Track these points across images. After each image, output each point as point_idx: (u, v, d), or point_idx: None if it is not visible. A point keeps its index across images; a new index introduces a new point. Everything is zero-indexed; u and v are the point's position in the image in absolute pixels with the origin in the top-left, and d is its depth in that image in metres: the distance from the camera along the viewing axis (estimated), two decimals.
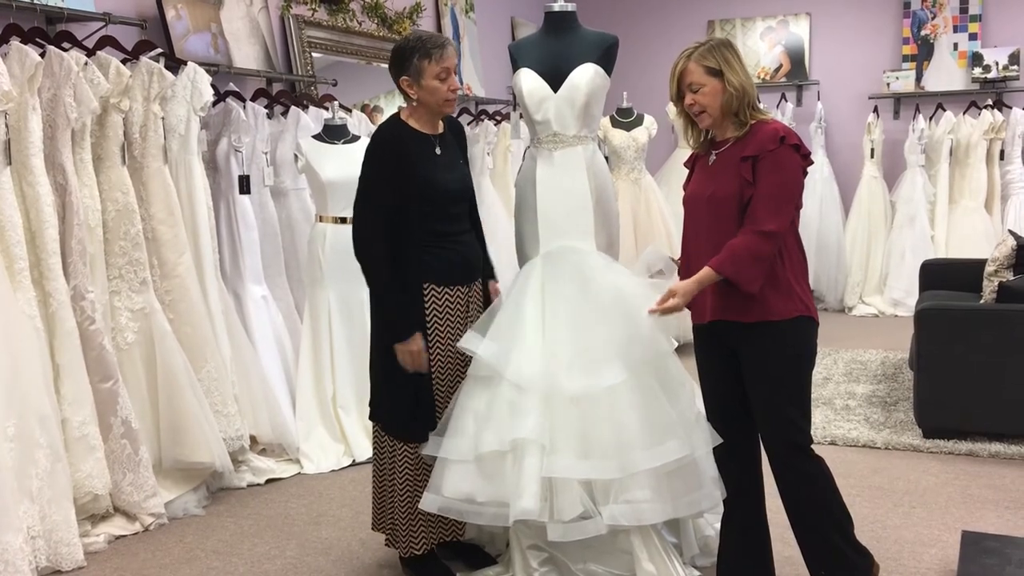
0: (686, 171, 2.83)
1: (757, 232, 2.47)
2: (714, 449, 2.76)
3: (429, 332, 2.96)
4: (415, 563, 3.11)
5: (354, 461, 4.35)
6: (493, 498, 2.80)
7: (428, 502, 2.88)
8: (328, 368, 4.46)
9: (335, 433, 4.43)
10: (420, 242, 2.92)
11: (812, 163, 2.64)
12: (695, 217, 2.68)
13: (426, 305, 2.96)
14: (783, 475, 2.64)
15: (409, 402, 2.95)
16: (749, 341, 2.59)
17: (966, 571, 2.79)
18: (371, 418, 3.09)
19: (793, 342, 2.57)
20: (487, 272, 3.21)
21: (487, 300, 3.15)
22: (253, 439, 4.22)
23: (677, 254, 2.84)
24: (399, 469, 3.01)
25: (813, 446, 2.66)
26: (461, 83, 6.70)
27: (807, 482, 2.63)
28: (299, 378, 4.47)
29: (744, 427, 2.74)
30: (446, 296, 2.99)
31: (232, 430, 3.97)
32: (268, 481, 4.14)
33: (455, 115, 5.98)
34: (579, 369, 2.83)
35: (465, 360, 2.99)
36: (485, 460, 2.82)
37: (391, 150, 2.89)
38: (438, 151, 2.97)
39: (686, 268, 2.73)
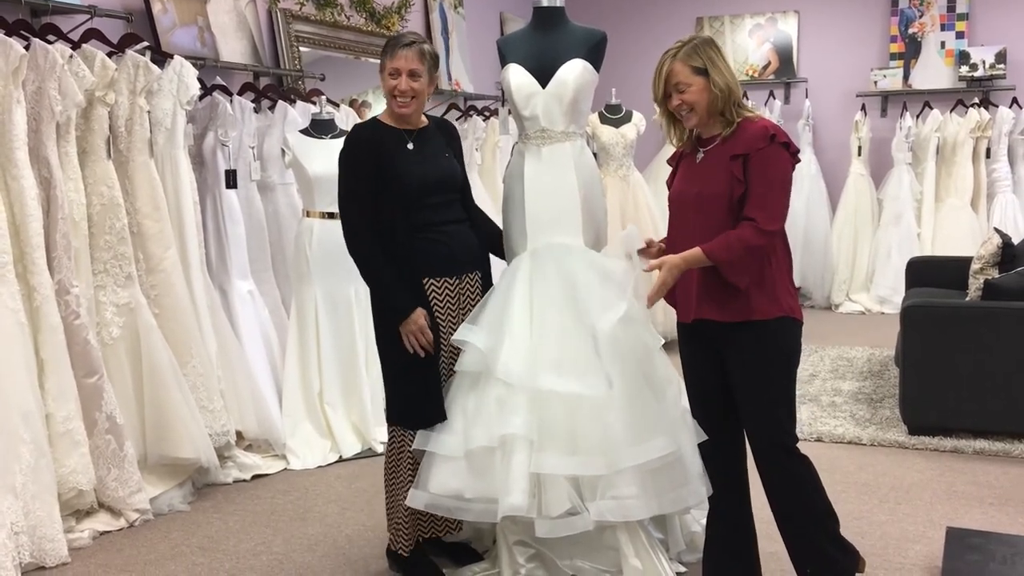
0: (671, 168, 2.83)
1: (754, 227, 2.48)
2: (699, 446, 2.77)
3: (433, 324, 2.96)
4: (403, 559, 3.10)
5: (341, 457, 4.34)
6: (481, 494, 2.80)
7: (415, 499, 2.88)
8: (315, 364, 4.44)
9: (322, 429, 4.42)
10: (406, 234, 2.92)
11: (800, 160, 2.65)
12: (682, 216, 2.67)
13: (429, 299, 2.96)
14: (769, 474, 2.65)
15: (420, 388, 2.94)
16: (733, 340, 2.59)
17: (950, 567, 2.80)
18: (389, 420, 3.09)
19: (777, 342, 2.57)
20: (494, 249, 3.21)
21: (484, 291, 3.13)
22: (239, 435, 4.21)
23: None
24: (403, 467, 3.00)
25: (800, 444, 2.66)
26: (450, 79, 6.69)
27: (793, 482, 2.63)
28: (286, 373, 4.46)
29: (729, 424, 2.74)
30: (432, 287, 2.98)
31: (218, 425, 3.96)
32: (254, 477, 4.13)
33: (442, 115, 6.00)
34: (568, 374, 2.83)
35: (455, 352, 2.98)
36: (474, 456, 2.82)
37: (361, 146, 2.95)
38: (410, 146, 2.99)
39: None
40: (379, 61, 3.01)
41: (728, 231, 2.50)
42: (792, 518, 2.66)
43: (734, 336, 2.58)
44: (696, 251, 2.51)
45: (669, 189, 2.77)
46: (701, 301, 2.60)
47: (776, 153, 2.50)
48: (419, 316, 2.89)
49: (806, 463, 2.64)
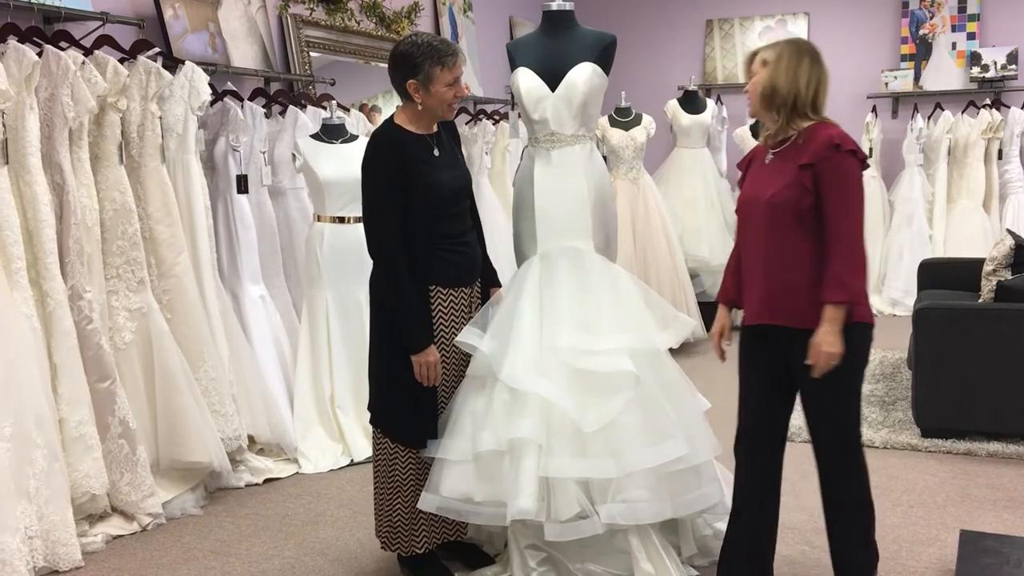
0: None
1: (845, 246, 2.48)
2: (737, 447, 2.77)
3: (436, 334, 2.95)
4: (414, 563, 3.10)
5: (352, 461, 4.35)
6: (491, 498, 2.80)
7: (426, 502, 2.89)
8: (326, 368, 4.45)
9: (333, 433, 4.42)
10: (427, 245, 2.91)
11: (868, 166, 2.65)
12: (752, 222, 2.65)
13: (432, 308, 2.95)
14: (831, 471, 2.67)
15: (410, 406, 2.94)
16: (802, 346, 2.56)
17: (964, 570, 2.79)
18: (371, 422, 3.08)
19: (850, 348, 2.55)
20: (489, 277, 3.20)
21: (485, 301, 3.15)
22: (251, 439, 4.22)
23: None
24: (401, 469, 3.00)
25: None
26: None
27: (853, 475, 2.66)
28: (297, 378, 4.47)
29: (775, 427, 2.74)
30: (451, 298, 2.98)
31: (230, 430, 3.97)
32: (266, 481, 4.14)
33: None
34: (587, 397, 2.82)
35: (468, 362, 2.99)
36: (483, 460, 2.82)
37: (391, 154, 2.86)
38: (436, 152, 2.96)
39: (738, 274, 2.75)
40: (421, 69, 2.84)
41: (831, 269, 2.48)
42: (845, 506, 2.68)
43: (804, 341, 2.56)
44: (831, 310, 2.48)
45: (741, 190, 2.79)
46: (768, 306, 2.60)
47: (844, 162, 2.50)
48: (433, 352, 2.89)
49: (863, 455, 2.67)
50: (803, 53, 2.58)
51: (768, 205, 2.57)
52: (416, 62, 2.85)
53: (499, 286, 3.21)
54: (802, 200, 2.51)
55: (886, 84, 7.90)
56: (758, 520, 2.78)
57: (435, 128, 3.01)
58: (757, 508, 2.77)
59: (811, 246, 2.53)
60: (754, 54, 2.65)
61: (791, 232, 2.53)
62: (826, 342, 2.49)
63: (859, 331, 2.57)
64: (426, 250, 2.90)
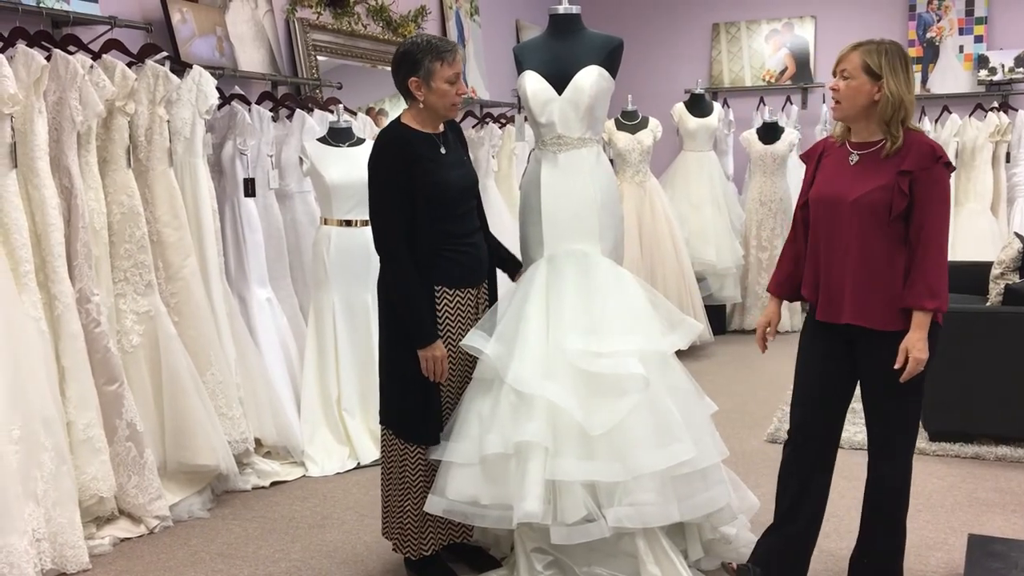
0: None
1: (935, 254, 2.53)
2: (787, 448, 2.79)
3: (441, 334, 2.95)
4: (421, 566, 3.10)
5: (359, 464, 4.35)
6: (497, 501, 2.80)
7: (433, 504, 2.89)
8: (333, 371, 4.46)
9: (340, 436, 4.43)
10: (432, 245, 2.92)
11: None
12: (835, 220, 2.65)
13: (438, 308, 2.95)
14: (885, 472, 2.71)
15: (420, 404, 2.95)
16: (881, 348, 2.59)
17: (972, 575, 2.78)
18: (381, 423, 3.09)
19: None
20: (512, 266, 3.23)
21: (493, 299, 3.15)
22: (258, 442, 4.23)
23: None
24: (411, 471, 3.01)
25: None
26: (466, 86, 6.71)
27: (905, 476, 2.72)
28: (304, 381, 4.47)
29: (830, 427, 2.76)
30: (457, 298, 2.99)
31: (237, 432, 3.98)
32: (273, 484, 4.14)
33: (459, 122, 6.01)
34: (593, 400, 2.82)
35: (475, 363, 2.99)
36: (489, 463, 2.82)
37: (397, 153, 2.88)
38: (443, 150, 2.97)
39: (796, 268, 2.77)
40: (421, 66, 2.87)
41: (919, 274, 2.52)
42: (887, 503, 2.74)
43: (881, 343, 2.59)
44: (919, 316, 2.54)
45: (809, 186, 2.77)
46: (859, 306, 2.61)
47: (942, 175, 2.55)
48: (440, 347, 2.91)
49: (913, 453, 2.74)
50: (907, 60, 2.60)
51: (857, 205, 2.59)
52: (416, 59, 2.88)
53: (520, 267, 3.22)
54: (897, 204, 2.54)
55: None
56: (805, 524, 2.78)
57: (441, 128, 3.03)
58: (806, 512, 2.77)
59: (898, 249, 2.56)
60: (845, 54, 2.62)
61: (879, 233, 2.56)
62: (916, 348, 2.54)
63: (933, 333, 2.60)
64: (432, 249, 2.91)
